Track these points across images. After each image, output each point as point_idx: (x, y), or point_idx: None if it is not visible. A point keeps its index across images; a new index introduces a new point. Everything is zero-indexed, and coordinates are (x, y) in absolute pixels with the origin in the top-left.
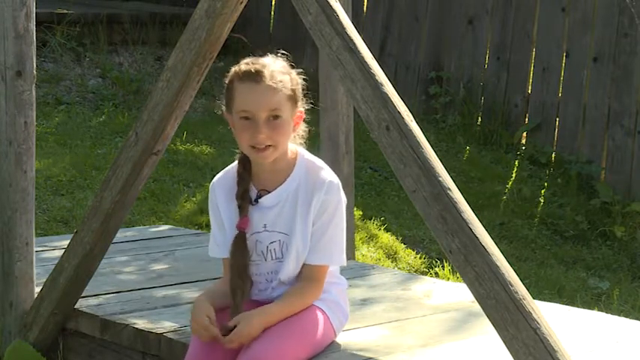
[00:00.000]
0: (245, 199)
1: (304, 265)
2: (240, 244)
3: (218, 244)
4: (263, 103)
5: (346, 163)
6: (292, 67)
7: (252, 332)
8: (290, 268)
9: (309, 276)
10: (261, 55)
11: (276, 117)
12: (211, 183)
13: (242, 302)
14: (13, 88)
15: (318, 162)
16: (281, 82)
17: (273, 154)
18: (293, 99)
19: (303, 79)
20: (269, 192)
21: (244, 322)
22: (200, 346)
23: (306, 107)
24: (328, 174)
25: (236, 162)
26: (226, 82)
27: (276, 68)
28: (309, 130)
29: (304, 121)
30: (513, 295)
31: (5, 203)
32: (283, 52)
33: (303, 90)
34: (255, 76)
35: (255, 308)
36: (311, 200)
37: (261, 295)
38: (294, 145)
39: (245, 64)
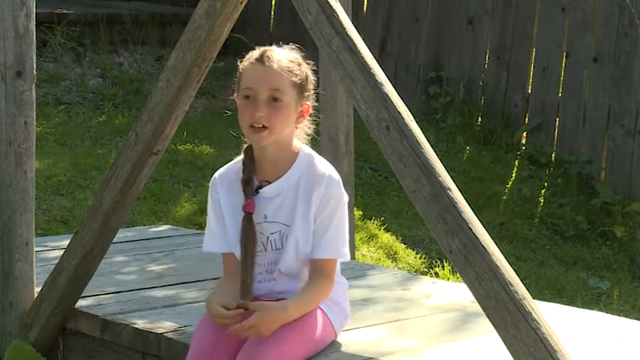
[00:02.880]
0: (250, 184)
1: (313, 260)
2: (249, 227)
3: (216, 238)
4: (265, 81)
5: (346, 163)
6: (306, 61)
7: (270, 325)
8: (289, 259)
9: (319, 271)
10: (279, 45)
11: (276, 98)
12: (212, 178)
13: (252, 283)
14: (13, 88)
15: (319, 157)
16: (288, 67)
17: (268, 137)
18: (299, 88)
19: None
20: (270, 183)
21: (264, 312)
22: (201, 347)
23: (314, 104)
24: (328, 169)
25: (238, 157)
26: (240, 66)
27: (287, 56)
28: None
29: (312, 119)
30: (513, 295)
31: (5, 203)
32: (298, 45)
33: (312, 86)
34: (263, 58)
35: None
36: (311, 193)
37: (260, 287)
38: (297, 142)
39: (257, 49)
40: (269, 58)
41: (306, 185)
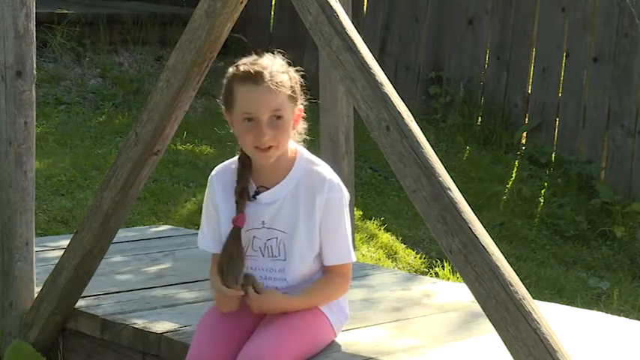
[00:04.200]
0: (243, 196)
1: (327, 267)
2: (234, 240)
3: (205, 237)
4: (265, 105)
5: (346, 163)
6: (290, 64)
7: (273, 305)
8: (295, 269)
9: (336, 272)
10: (259, 54)
11: (278, 117)
12: (210, 176)
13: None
14: (13, 88)
15: (317, 161)
16: (281, 82)
17: (275, 154)
18: (293, 98)
19: (302, 76)
20: (267, 189)
21: (270, 295)
22: (201, 347)
23: (305, 104)
24: (328, 172)
25: (236, 157)
26: (225, 82)
27: (275, 68)
28: (308, 129)
29: (303, 118)
30: (513, 295)
31: (5, 203)
32: (279, 50)
33: (301, 87)
34: (256, 78)
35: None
36: (314, 200)
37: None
38: (294, 144)
39: (244, 65)
40: (261, 76)
41: (306, 191)
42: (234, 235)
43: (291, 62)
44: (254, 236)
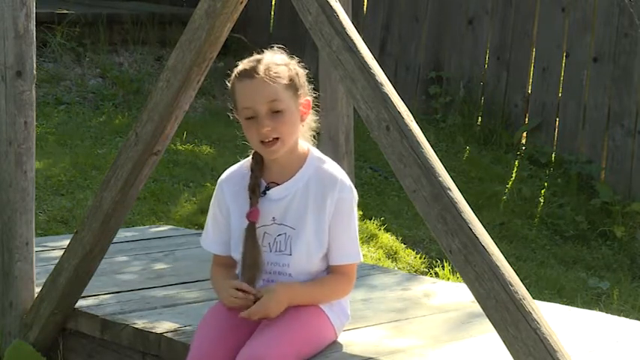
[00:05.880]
0: (255, 192)
1: (333, 266)
2: (252, 239)
3: (209, 237)
4: (260, 97)
5: (346, 163)
6: (291, 58)
7: (277, 306)
8: (300, 263)
9: (340, 272)
10: (260, 52)
11: (277, 108)
12: (219, 179)
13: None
14: (13, 88)
15: (329, 160)
16: (276, 73)
17: (281, 147)
18: (293, 88)
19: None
20: (278, 185)
21: (269, 295)
22: (202, 347)
23: (314, 96)
24: (339, 173)
25: (245, 160)
26: (229, 85)
27: (272, 61)
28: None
29: (314, 112)
30: (513, 295)
31: (5, 203)
32: (279, 45)
33: (306, 79)
34: (250, 72)
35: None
36: (325, 198)
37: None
38: (306, 143)
39: (242, 63)
40: (255, 70)
41: (317, 189)
42: (251, 234)
43: (293, 56)
44: (265, 232)
